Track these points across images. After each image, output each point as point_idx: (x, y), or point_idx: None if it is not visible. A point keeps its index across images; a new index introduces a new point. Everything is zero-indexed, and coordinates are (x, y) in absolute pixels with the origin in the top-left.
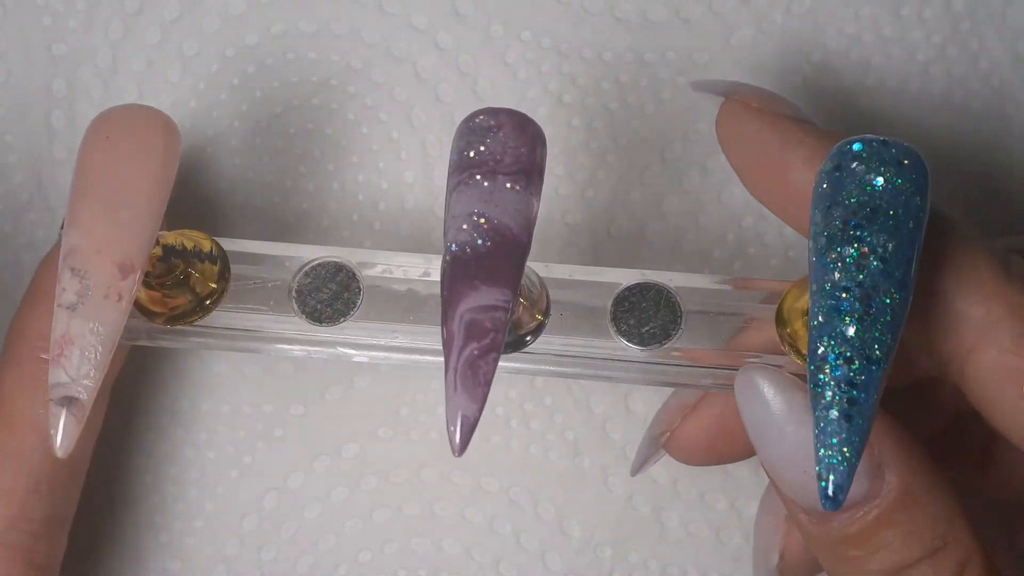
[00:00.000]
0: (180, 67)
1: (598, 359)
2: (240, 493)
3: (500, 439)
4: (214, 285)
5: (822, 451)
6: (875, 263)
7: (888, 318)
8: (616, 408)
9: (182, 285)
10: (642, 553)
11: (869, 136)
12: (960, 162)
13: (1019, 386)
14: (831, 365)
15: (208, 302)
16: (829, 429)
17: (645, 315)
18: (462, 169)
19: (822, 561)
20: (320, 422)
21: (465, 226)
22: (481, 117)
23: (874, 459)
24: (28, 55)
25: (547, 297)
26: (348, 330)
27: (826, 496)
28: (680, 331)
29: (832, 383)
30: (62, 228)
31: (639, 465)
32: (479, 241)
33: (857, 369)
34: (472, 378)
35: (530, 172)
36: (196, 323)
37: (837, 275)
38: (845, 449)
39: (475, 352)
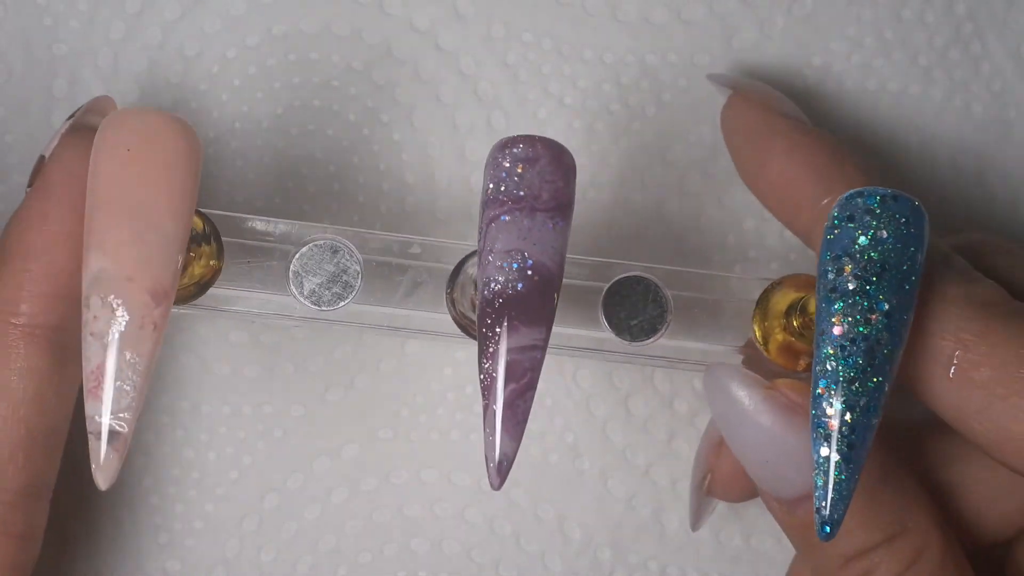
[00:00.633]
0: (181, 68)
1: (588, 348)
2: (240, 494)
3: None
4: (214, 263)
5: (820, 489)
6: (881, 319)
7: (887, 367)
8: (616, 410)
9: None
10: (642, 554)
11: (881, 190)
12: (961, 166)
13: (945, 368)
14: (836, 412)
15: (206, 285)
16: (828, 469)
17: (634, 309)
18: (500, 203)
19: (792, 543)
20: (320, 423)
21: (504, 264)
22: (520, 147)
23: (896, 519)
24: (29, 55)
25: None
26: (344, 313)
27: (821, 529)
28: (667, 326)
29: (835, 429)
30: (35, 173)
31: (696, 519)
32: (519, 282)
33: (857, 416)
34: (512, 418)
35: (565, 207)
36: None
37: (845, 326)
38: (842, 488)
39: (514, 392)
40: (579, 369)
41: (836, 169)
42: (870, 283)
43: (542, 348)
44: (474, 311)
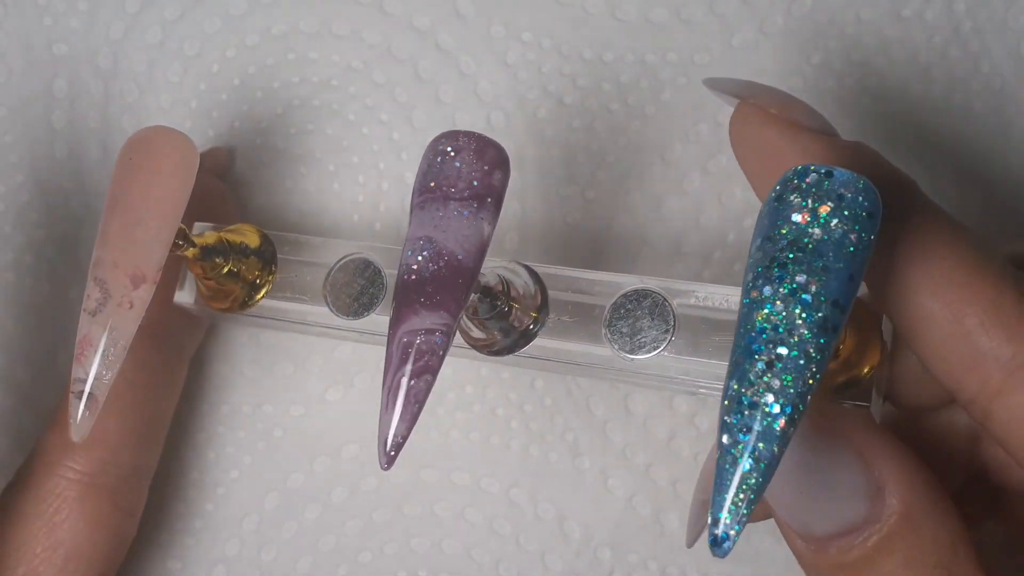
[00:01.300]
0: (181, 67)
1: (592, 364)
2: (240, 493)
3: (500, 440)
4: (258, 272)
5: (716, 497)
6: (794, 307)
7: (800, 363)
8: (616, 410)
9: (233, 277)
10: (642, 554)
11: (815, 165)
12: (961, 164)
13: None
14: (735, 409)
15: (256, 293)
16: (725, 476)
17: (639, 323)
18: (419, 192)
19: None
20: (320, 423)
21: (411, 251)
22: (443, 141)
23: (874, 481)
24: (29, 55)
25: (543, 294)
26: (369, 323)
27: (711, 541)
28: (671, 339)
29: (735, 429)
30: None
31: (695, 536)
32: (425, 266)
33: (759, 416)
34: (405, 399)
35: (483, 197)
36: (250, 311)
37: (756, 315)
38: (740, 499)
39: (410, 373)
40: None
41: (888, 187)
42: (785, 266)
43: (445, 334)
44: (478, 325)
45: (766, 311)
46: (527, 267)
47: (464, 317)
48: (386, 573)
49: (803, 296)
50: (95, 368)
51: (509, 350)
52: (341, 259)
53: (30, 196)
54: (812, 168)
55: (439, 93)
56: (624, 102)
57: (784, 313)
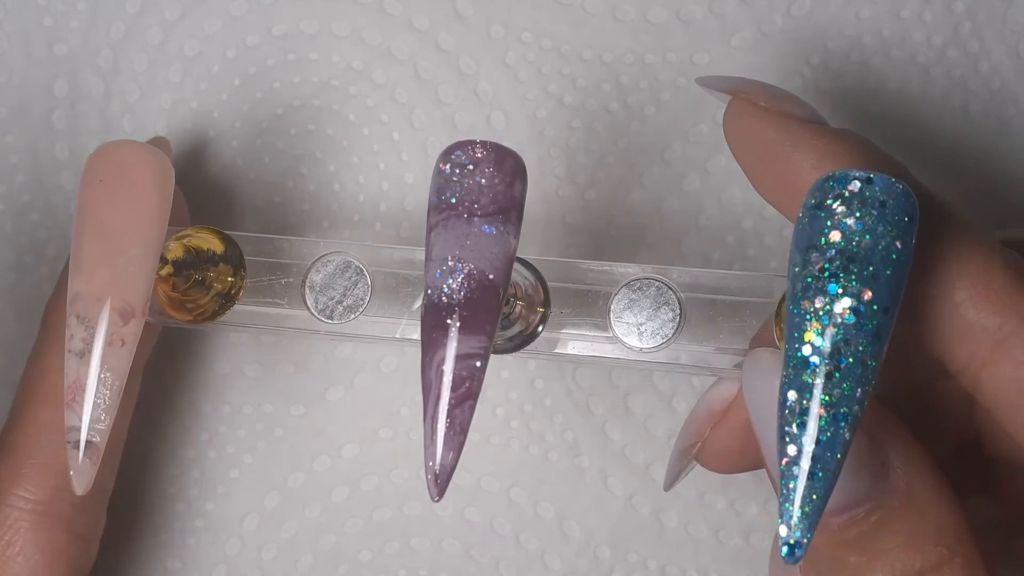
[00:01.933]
0: (181, 68)
1: (598, 355)
2: (241, 493)
3: (500, 439)
4: (230, 280)
5: (784, 505)
6: (848, 316)
7: (859, 371)
8: (616, 409)
9: (199, 286)
10: (641, 553)
11: (854, 172)
12: (960, 164)
13: None
14: (797, 421)
15: (230, 301)
16: (792, 484)
17: (645, 312)
18: (440, 210)
19: (821, 570)
20: (321, 422)
21: (441, 272)
22: (458, 153)
23: (878, 457)
24: (29, 55)
25: (544, 288)
26: (355, 325)
27: (787, 553)
28: (679, 329)
29: (797, 438)
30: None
31: (671, 480)
32: (456, 288)
33: (823, 426)
34: (450, 427)
35: (508, 210)
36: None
37: (809, 327)
38: (807, 507)
39: (452, 401)
40: (578, 368)
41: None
42: (835, 277)
43: (482, 357)
44: None
45: (821, 323)
46: (523, 261)
47: None
48: (386, 572)
49: (859, 307)
50: (89, 413)
51: (515, 349)
52: (317, 259)
53: (31, 196)
54: (854, 175)
55: (439, 93)
56: (624, 102)
57: (840, 324)
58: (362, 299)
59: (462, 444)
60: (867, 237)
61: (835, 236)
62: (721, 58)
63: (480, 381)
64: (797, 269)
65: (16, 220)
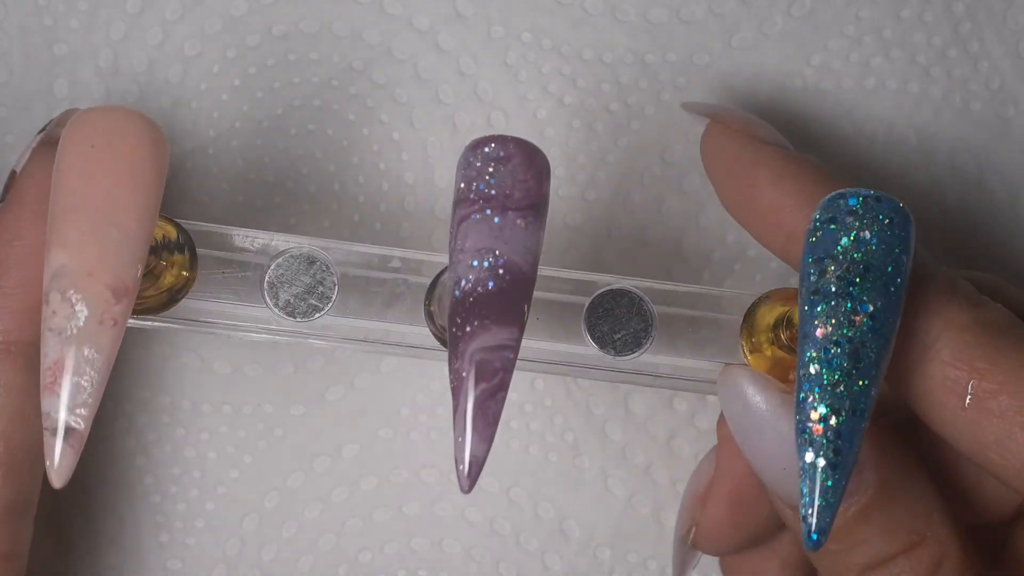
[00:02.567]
0: (181, 68)
1: (573, 364)
2: (241, 493)
3: (500, 440)
4: (186, 273)
5: (808, 497)
6: (866, 320)
7: (873, 372)
8: (616, 409)
9: (150, 276)
10: (642, 553)
11: (863, 191)
12: (960, 164)
13: (959, 397)
14: (820, 416)
15: (179, 295)
16: (815, 475)
17: (618, 322)
18: (471, 202)
19: (807, 553)
20: (320, 422)
21: (475, 263)
22: (492, 146)
23: None
24: (29, 55)
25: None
26: (319, 325)
27: (808, 537)
28: (652, 339)
29: (820, 433)
30: (7, 188)
31: (680, 573)
32: (489, 280)
33: (843, 420)
34: (482, 418)
35: (538, 206)
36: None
37: (828, 328)
38: (829, 495)
39: (485, 392)
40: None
41: (826, 195)
42: (853, 284)
43: (514, 349)
44: None
45: (838, 332)
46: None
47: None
48: (386, 572)
49: (875, 313)
50: (71, 397)
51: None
52: (279, 254)
53: None
54: (863, 193)
55: (439, 93)
56: (624, 102)
57: (858, 327)
58: (327, 297)
59: (493, 435)
60: (880, 249)
61: (851, 247)
62: (721, 58)
63: (511, 373)
64: (814, 278)
65: None
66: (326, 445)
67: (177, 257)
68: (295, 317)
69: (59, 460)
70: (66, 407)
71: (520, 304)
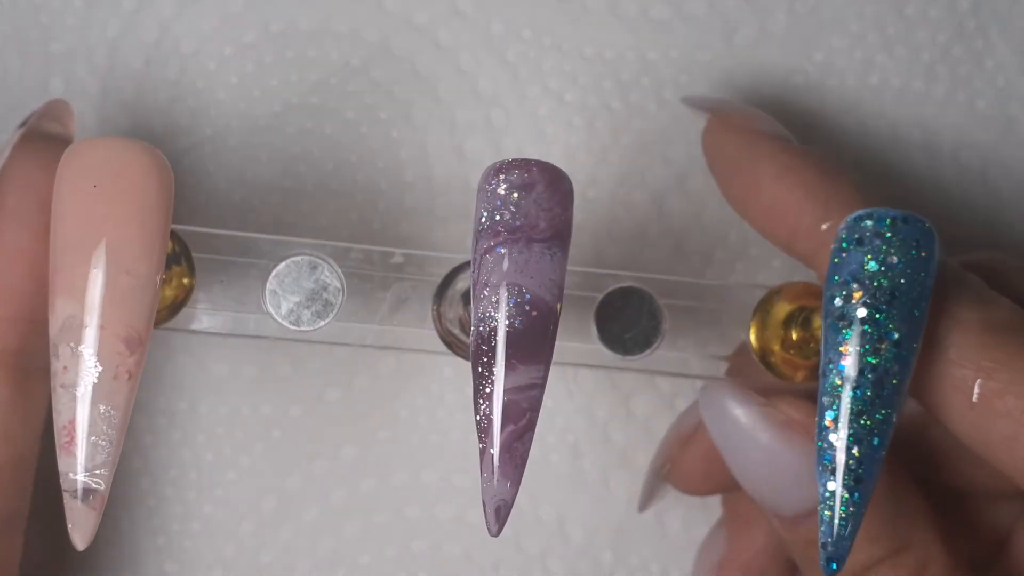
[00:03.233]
0: (178, 66)
1: (581, 362)
2: (238, 495)
3: None
4: (186, 281)
5: (825, 524)
6: (891, 348)
7: (895, 399)
8: (617, 411)
9: None
10: (643, 556)
11: (891, 212)
12: (964, 162)
13: (967, 396)
14: (841, 444)
15: (180, 306)
16: (835, 504)
17: (628, 321)
18: (495, 233)
19: (795, 560)
20: (318, 424)
21: (500, 300)
22: (515, 173)
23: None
24: (24, 53)
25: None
26: (326, 331)
27: (827, 567)
28: (661, 338)
29: (841, 463)
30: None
31: (646, 500)
32: (516, 318)
33: (864, 450)
34: (510, 461)
35: (563, 234)
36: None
37: (853, 356)
38: (848, 524)
39: (513, 434)
40: (580, 369)
41: (831, 189)
42: (880, 311)
43: (541, 387)
44: (461, 328)
45: (863, 360)
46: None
47: (457, 329)
48: (385, 575)
49: (900, 340)
50: (89, 459)
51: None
52: (282, 261)
53: None
54: (892, 215)
55: (438, 91)
56: (625, 100)
57: (879, 359)
58: (331, 304)
59: (521, 477)
60: (907, 274)
61: (878, 272)
62: (723, 55)
63: (538, 411)
64: (839, 302)
65: None
66: (324, 447)
67: (175, 269)
68: (299, 326)
69: (80, 522)
70: (84, 468)
71: (547, 341)
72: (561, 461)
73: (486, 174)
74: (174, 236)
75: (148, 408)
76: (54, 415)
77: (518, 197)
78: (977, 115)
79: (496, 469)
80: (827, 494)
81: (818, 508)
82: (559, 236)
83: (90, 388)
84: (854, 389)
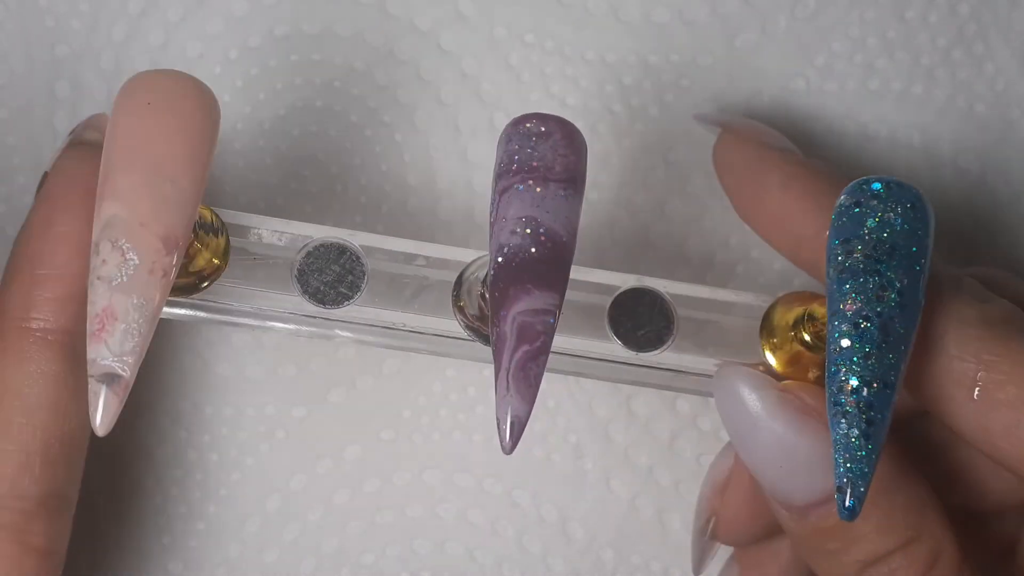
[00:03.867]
0: (183, 69)
1: (592, 359)
2: (242, 495)
3: None
4: (217, 261)
5: (843, 467)
6: (893, 296)
7: (902, 347)
8: (619, 411)
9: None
10: (644, 555)
11: (885, 177)
12: (964, 166)
13: (968, 389)
14: (853, 388)
15: (206, 282)
16: (850, 446)
17: (641, 320)
18: (513, 173)
19: (804, 555)
20: (322, 424)
21: (517, 230)
22: (533, 122)
23: None
24: (31, 56)
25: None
26: (349, 313)
27: (844, 507)
28: (673, 337)
29: (853, 404)
30: (40, 188)
31: (699, 564)
32: (532, 246)
33: (875, 392)
34: (524, 379)
35: (577, 180)
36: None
37: (859, 304)
38: (864, 466)
39: (527, 354)
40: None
41: (835, 198)
42: (881, 262)
43: (555, 314)
44: (482, 314)
45: (868, 308)
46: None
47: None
48: (389, 574)
49: (902, 290)
50: (119, 344)
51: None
52: (311, 243)
53: (32, 199)
54: (885, 179)
55: (441, 94)
56: (627, 104)
57: (883, 306)
58: (357, 286)
59: (535, 397)
60: (905, 230)
61: (877, 228)
62: (724, 59)
63: (551, 337)
64: (841, 258)
65: (17, 222)
66: (328, 447)
67: (211, 240)
68: (324, 305)
69: (103, 407)
70: (112, 353)
71: (561, 270)
72: (563, 461)
73: (507, 126)
74: (213, 213)
75: (153, 408)
76: (88, 307)
77: (536, 141)
78: (977, 119)
79: (511, 385)
80: (840, 437)
81: (825, 502)
82: (573, 181)
83: (126, 279)
84: (860, 334)
